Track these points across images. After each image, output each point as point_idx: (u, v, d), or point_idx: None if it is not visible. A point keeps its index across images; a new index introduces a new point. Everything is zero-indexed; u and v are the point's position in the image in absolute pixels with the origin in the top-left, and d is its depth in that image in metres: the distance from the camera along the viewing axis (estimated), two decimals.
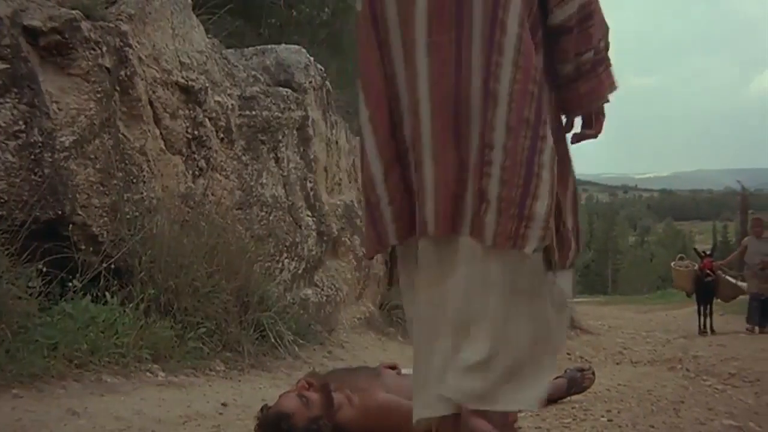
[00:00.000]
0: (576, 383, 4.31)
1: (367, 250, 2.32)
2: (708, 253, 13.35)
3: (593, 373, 4.45)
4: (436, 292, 2.05)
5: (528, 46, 1.94)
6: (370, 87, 2.20)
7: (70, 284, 4.25)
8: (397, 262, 2.27)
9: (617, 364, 8.49)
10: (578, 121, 2.20)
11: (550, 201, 1.94)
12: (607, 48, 2.14)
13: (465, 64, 1.97)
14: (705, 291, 12.57)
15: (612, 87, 2.15)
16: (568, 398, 4.27)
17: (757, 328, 11.82)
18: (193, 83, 5.58)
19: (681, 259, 14.38)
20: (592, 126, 2.19)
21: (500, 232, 1.93)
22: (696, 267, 12.94)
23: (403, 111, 2.11)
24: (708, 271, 12.49)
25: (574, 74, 2.09)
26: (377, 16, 2.13)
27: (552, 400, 4.23)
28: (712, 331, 12.23)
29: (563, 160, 2.10)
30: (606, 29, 2.13)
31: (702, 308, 12.56)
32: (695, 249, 15.05)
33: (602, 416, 3.73)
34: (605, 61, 2.13)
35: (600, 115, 2.20)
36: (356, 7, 2.24)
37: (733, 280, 13.23)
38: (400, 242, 2.15)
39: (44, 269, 4.07)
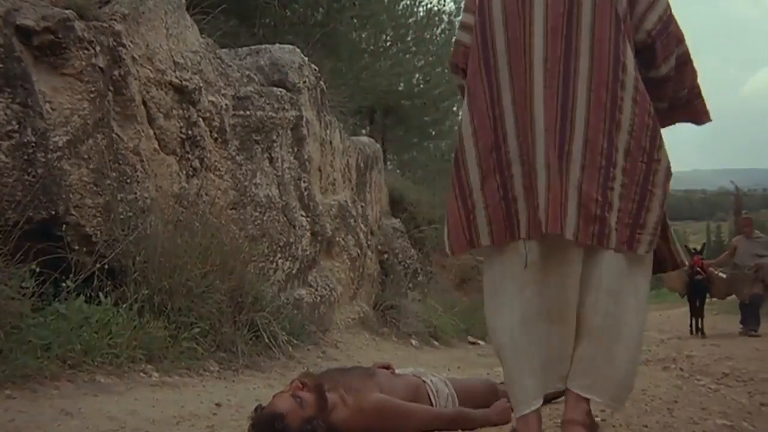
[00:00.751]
0: None
1: (457, 249, 2.58)
2: (698, 250, 12.88)
3: None
4: (546, 285, 2.43)
5: (642, 86, 2.41)
6: (476, 106, 2.52)
7: (64, 284, 4.23)
8: (490, 260, 2.60)
9: None
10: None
11: (660, 213, 2.41)
12: (698, 88, 2.66)
13: (573, 92, 2.37)
14: (695, 290, 12.21)
15: (707, 117, 2.70)
16: (562, 398, 4.27)
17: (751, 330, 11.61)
18: (187, 83, 5.57)
19: None
20: None
21: (619, 238, 2.35)
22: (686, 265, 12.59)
23: (508, 129, 2.45)
24: (698, 269, 12.03)
25: (687, 100, 2.66)
26: (488, 46, 2.50)
27: (546, 400, 4.23)
28: (702, 333, 11.90)
29: None
30: (696, 74, 2.66)
31: (692, 308, 12.30)
32: (685, 246, 14.41)
33: (596, 416, 3.71)
34: (699, 97, 2.67)
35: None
36: (458, 38, 2.72)
37: (722, 275, 12.63)
38: (493, 243, 2.48)
39: (37, 269, 4.06)
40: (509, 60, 2.46)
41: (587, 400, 2.53)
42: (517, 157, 2.43)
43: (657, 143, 2.43)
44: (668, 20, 2.56)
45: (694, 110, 2.69)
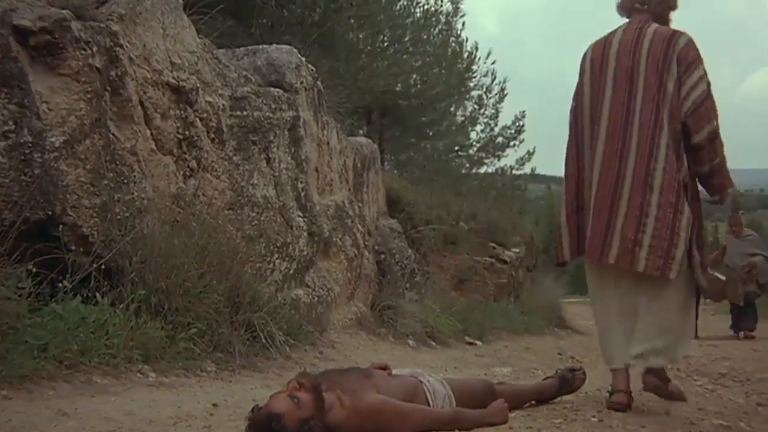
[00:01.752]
0: (567, 383, 4.32)
1: (558, 259, 4.13)
2: None
3: (584, 373, 4.46)
4: (609, 293, 3.88)
5: (671, 159, 3.56)
6: (569, 158, 3.93)
7: (61, 285, 4.23)
8: (590, 270, 3.96)
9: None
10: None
11: (684, 248, 3.59)
12: (722, 162, 3.72)
13: (623, 162, 3.61)
14: None
15: (731, 183, 3.76)
16: (559, 398, 4.28)
17: (741, 333, 11.56)
18: (184, 83, 5.57)
19: None
20: (719, 201, 3.87)
21: (650, 266, 3.57)
22: None
23: (584, 180, 3.82)
24: None
25: (709, 173, 3.72)
26: (577, 116, 3.90)
27: (543, 400, 4.24)
28: (696, 335, 11.66)
29: (698, 218, 3.76)
30: (722, 147, 3.70)
31: None
32: None
33: (593, 416, 3.73)
34: (721, 172, 3.72)
35: (724, 193, 3.80)
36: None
37: (722, 277, 12.11)
38: (571, 258, 4.02)
39: (34, 270, 4.06)
40: (589, 135, 3.82)
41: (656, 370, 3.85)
42: (588, 204, 3.78)
43: (681, 199, 3.57)
44: (701, 103, 3.60)
45: (725, 176, 3.75)
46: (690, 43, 3.64)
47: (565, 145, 3.95)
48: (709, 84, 3.62)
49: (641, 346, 3.74)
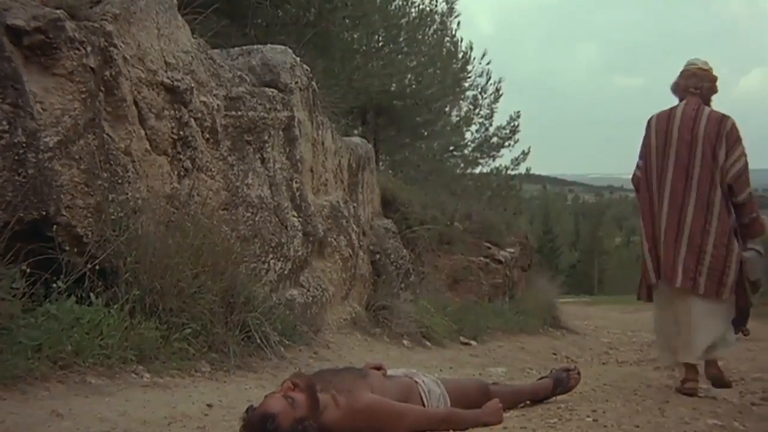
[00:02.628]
0: (562, 383, 4.32)
1: (647, 281, 5.01)
2: None
3: (579, 373, 4.47)
4: (672, 308, 4.88)
5: (723, 214, 4.66)
6: (645, 209, 4.99)
7: (55, 285, 4.22)
8: (658, 290, 4.95)
9: (603, 364, 8.53)
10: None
11: (734, 277, 4.68)
12: (756, 215, 4.82)
13: (684, 212, 4.72)
14: None
15: (763, 230, 4.88)
16: (554, 398, 4.28)
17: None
18: (179, 83, 5.56)
19: None
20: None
21: (707, 289, 4.65)
22: None
23: (656, 227, 4.87)
24: None
25: (748, 224, 4.82)
26: (646, 171, 4.97)
27: (538, 400, 4.24)
28: None
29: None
30: (755, 205, 4.87)
31: None
32: None
33: (587, 416, 3.73)
34: (755, 222, 4.80)
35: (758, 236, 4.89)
36: (635, 173, 5.18)
37: None
38: (656, 279, 4.89)
39: (28, 270, 4.05)
40: (656, 189, 4.88)
41: (711, 362, 4.93)
42: (660, 242, 4.83)
43: (732, 240, 4.72)
44: (742, 173, 4.74)
45: (750, 232, 4.87)
46: (734, 126, 4.80)
47: (639, 193, 5.10)
48: (746, 158, 4.79)
49: (704, 345, 4.75)
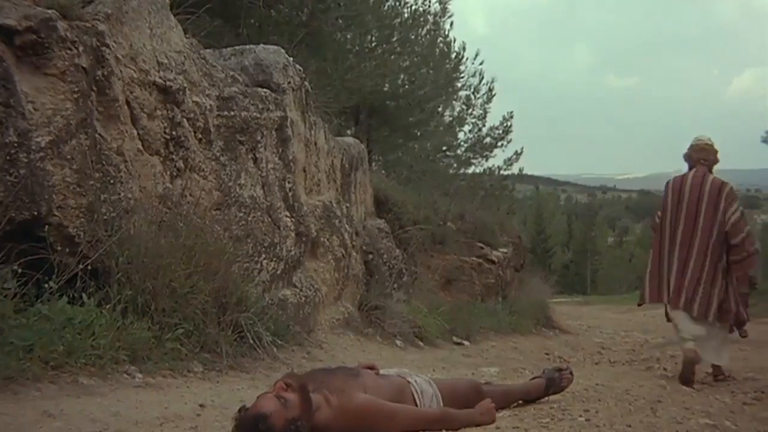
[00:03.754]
0: (554, 383, 4.33)
1: (642, 300, 6.76)
2: None
3: (571, 373, 4.48)
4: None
5: (717, 254, 6.14)
6: (656, 247, 6.53)
7: (46, 285, 4.22)
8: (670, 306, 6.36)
9: (596, 363, 8.54)
10: None
11: (717, 304, 6.11)
12: (756, 251, 6.34)
13: (690, 251, 6.18)
14: None
15: (755, 266, 6.38)
16: (547, 398, 4.29)
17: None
18: (171, 83, 5.55)
19: None
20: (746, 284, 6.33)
21: (699, 312, 6.04)
22: None
23: (665, 260, 6.36)
24: None
25: (741, 259, 6.17)
26: (663, 220, 6.49)
27: (530, 399, 4.25)
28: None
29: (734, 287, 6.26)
30: (754, 243, 6.34)
31: None
32: None
33: (580, 416, 3.74)
34: (749, 258, 6.19)
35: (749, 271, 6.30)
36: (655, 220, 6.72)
37: None
38: (649, 302, 6.68)
39: (20, 270, 4.05)
40: (669, 232, 6.32)
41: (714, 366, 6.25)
42: (665, 271, 6.30)
43: (721, 275, 6.11)
44: (737, 222, 6.15)
45: (744, 264, 6.21)
46: (731, 190, 6.31)
47: (655, 233, 6.68)
48: (742, 212, 6.32)
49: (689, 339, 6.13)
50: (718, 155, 6.59)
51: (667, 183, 6.63)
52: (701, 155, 6.53)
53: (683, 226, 6.28)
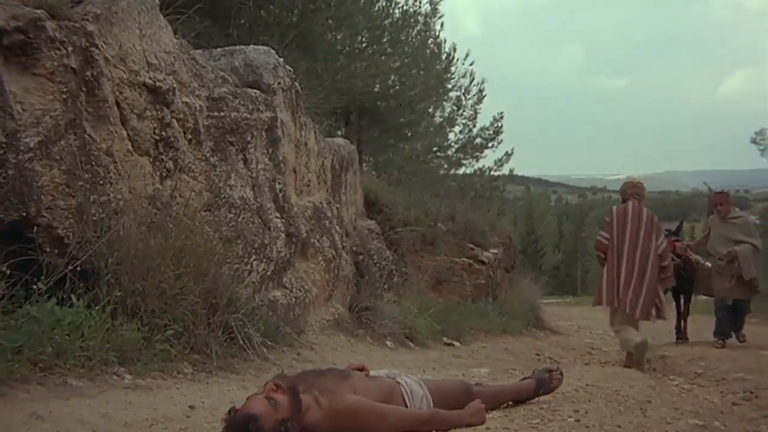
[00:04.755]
0: (544, 384, 4.34)
1: (596, 303, 8.10)
2: (672, 231, 10.58)
3: (561, 374, 4.49)
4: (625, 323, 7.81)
5: (654, 271, 7.70)
6: (610, 263, 7.83)
7: (35, 287, 4.19)
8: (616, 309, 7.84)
9: (586, 364, 8.56)
10: None
11: (657, 308, 7.79)
12: (666, 265, 7.95)
13: (633, 265, 7.69)
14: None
15: (670, 283, 8.64)
16: (537, 399, 4.29)
17: (727, 341, 9.53)
18: (161, 84, 5.54)
19: None
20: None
21: (642, 315, 7.67)
22: None
23: (615, 268, 7.78)
24: (673, 256, 9.22)
25: (664, 278, 7.91)
26: (612, 240, 7.83)
27: (520, 400, 4.26)
28: (685, 337, 10.31)
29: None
30: (671, 266, 8.14)
31: (677, 306, 10.42)
32: None
33: (570, 416, 3.75)
34: (667, 277, 8.00)
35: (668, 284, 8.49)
36: (600, 239, 8.16)
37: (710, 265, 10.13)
38: (600, 305, 8.01)
39: (8, 272, 4.03)
40: (617, 251, 7.75)
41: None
42: (616, 280, 7.70)
43: (657, 287, 7.73)
44: (664, 249, 7.84)
45: (665, 282, 8.04)
46: (658, 221, 7.94)
47: (606, 254, 7.89)
48: (665, 239, 8.03)
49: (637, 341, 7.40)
50: (645, 192, 8.26)
51: (611, 211, 8.16)
52: (634, 191, 8.15)
53: (627, 248, 7.70)
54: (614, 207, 8.23)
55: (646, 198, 8.17)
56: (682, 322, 10.42)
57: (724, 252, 9.62)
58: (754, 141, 31.62)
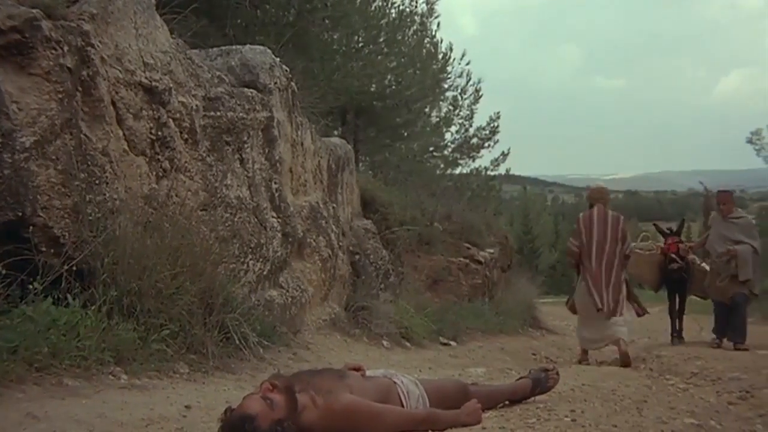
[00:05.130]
0: (540, 383, 4.34)
1: (568, 303, 9.56)
2: (673, 230, 10.39)
3: (557, 373, 4.48)
4: (593, 318, 8.68)
5: (619, 271, 8.57)
6: (587, 266, 8.63)
7: (31, 287, 4.19)
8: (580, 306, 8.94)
9: (581, 363, 8.56)
10: None
11: (623, 304, 8.56)
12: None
13: (601, 265, 8.52)
14: (670, 283, 10.10)
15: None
16: (533, 398, 4.29)
17: (724, 341, 9.23)
18: (157, 83, 5.53)
19: (644, 239, 10.95)
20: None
21: (610, 311, 8.40)
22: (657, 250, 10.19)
23: (588, 272, 8.64)
24: (673, 256, 9.82)
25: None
26: (581, 244, 8.64)
27: (516, 400, 4.25)
28: (680, 337, 10.00)
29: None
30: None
31: (671, 306, 10.21)
32: (655, 224, 11.32)
33: (566, 416, 3.74)
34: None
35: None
36: (570, 246, 9.12)
37: (708, 267, 9.82)
38: (570, 308, 9.37)
39: (4, 271, 4.02)
40: (587, 251, 8.59)
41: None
42: (587, 280, 8.62)
43: (622, 282, 8.61)
44: (629, 249, 8.73)
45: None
46: (624, 222, 8.70)
47: (581, 258, 8.66)
48: (629, 238, 8.85)
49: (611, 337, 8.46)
50: (609, 196, 9.17)
51: (578, 218, 8.88)
52: (599, 196, 8.88)
53: (596, 251, 8.46)
54: (581, 214, 8.90)
55: (610, 201, 9.06)
56: (677, 322, 10.21)
57: (723, 251, 9.31)
58: (749, 141, 31.69)
